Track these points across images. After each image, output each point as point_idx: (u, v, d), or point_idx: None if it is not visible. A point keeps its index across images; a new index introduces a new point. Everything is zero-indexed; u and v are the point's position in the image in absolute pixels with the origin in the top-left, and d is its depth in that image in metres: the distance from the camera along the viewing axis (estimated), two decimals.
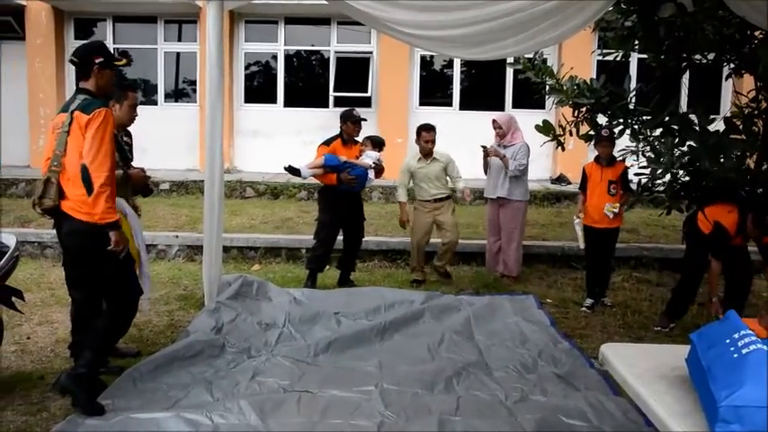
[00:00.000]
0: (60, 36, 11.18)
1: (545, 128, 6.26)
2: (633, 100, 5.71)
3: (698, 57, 5.70)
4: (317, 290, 5.89)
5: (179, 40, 11.60)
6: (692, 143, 5.15)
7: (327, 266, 6.32)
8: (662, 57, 5.68)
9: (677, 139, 5.23)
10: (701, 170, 5.06)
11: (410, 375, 4.07)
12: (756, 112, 5.45)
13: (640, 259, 7.07)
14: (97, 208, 3.41)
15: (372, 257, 7.09)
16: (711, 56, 5.70)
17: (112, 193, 3.51)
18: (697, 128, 5.15)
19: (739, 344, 2.46)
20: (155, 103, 11.43)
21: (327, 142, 6.07)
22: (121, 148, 4.15)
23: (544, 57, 6.25)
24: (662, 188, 5.51)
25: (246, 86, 11.55)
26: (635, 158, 5.53)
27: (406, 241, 6.70)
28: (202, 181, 5.40)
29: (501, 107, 10.89)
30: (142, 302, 3.94)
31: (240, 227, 7.77)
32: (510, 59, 6.22)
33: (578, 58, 8.51)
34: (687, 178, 5.43)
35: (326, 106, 11.24)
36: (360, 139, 6.21)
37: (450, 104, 11.38)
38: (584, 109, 5.87)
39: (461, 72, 11.45)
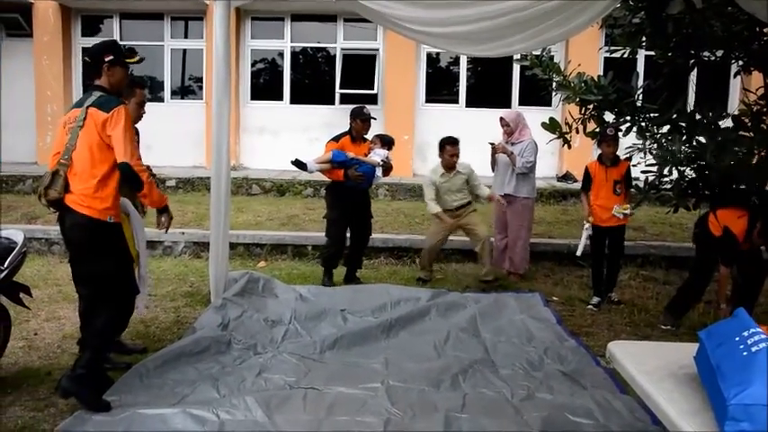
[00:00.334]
0: (67, 33, 11.20)
1: (551, 125, 6.24)
2: (641, 97, 5.68)
3: (706, 54, 5.65)
4: (323, 287, 5.90)
5: (185, 37, 11.60)
6: (700, 139, 5.12)
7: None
8: (670, 54, 5.64)
9: (685, 137, 5.20)
10: (706, 165, 5.03)
11: (416, 372, 4.07)
12: (765, 109, 5.40)
13: (647, 257, 7.04)
14: (155, 196, 3.75)
15: (378, 254, 7.09)
16: (720, 53, 5.65)
17: (117, 192, 3.57)
18: (706, 122, 5.12)
19: (749, 342, 2.44)
20: (161, 99, 11.43)
21: (336, 138, 6.08)
22: None
23: (551, 53, 6.22)
24: (669, 186, 5.49)
25: (253, 83, 11.55)
26: (642, 156, 5.50)
27: (413, 238, 6.68)
28: (208, 178, 5.40)
29: (507, 104, 10.85)
30: (138, 302, 3.96)
31: (246, 224, 7.78)
32: (517, 56, 6.20)
33: (585, 54, 8.50)
34: (693, 175, 5.40)
35: (333, 103, 11.23)
36: (369, 136, 6.21)
37: (456, 101, 11.35)
38: (591, 106, 5.84)
39: (468, 69, 11.41)
